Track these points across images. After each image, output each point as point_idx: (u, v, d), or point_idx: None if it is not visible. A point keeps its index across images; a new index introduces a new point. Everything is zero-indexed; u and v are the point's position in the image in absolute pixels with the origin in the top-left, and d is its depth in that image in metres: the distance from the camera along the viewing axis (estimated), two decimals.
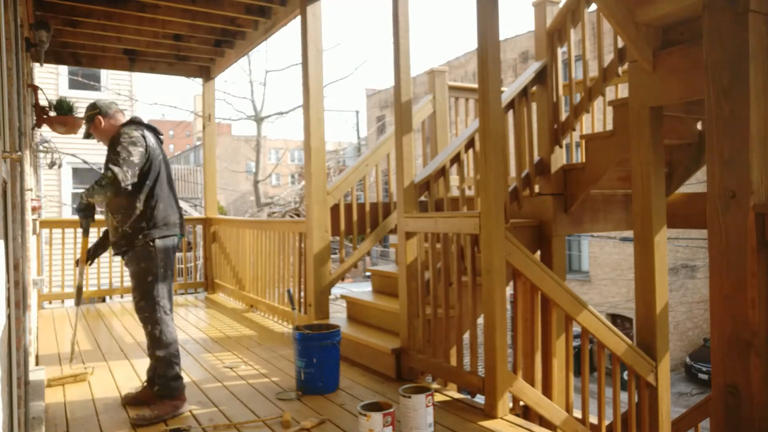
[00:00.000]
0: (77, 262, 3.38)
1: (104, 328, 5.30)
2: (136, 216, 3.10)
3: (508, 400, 3.01)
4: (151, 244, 3.10)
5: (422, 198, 4.02)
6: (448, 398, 3.28)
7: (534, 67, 4.31)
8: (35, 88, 4.84)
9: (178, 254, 3.39)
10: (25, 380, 2.81)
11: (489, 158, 2.98)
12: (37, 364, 4.11)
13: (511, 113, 4.16)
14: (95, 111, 3.24)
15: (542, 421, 3.10)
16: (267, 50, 28.22)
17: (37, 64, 5.87)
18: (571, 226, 4.27)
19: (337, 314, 5.54)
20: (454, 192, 4.89)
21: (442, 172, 4.04)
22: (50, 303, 6.53)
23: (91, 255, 3.39)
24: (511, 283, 3.20)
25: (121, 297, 7.13)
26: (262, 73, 37.29)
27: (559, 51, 4.33)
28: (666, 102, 3.55)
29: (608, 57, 3.98)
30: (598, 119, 4.81)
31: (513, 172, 4.31)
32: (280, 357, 4.23)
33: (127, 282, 6.70)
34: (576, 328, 3.33)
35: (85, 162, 12.69)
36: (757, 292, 2.04)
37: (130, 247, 3.12)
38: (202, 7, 5.16)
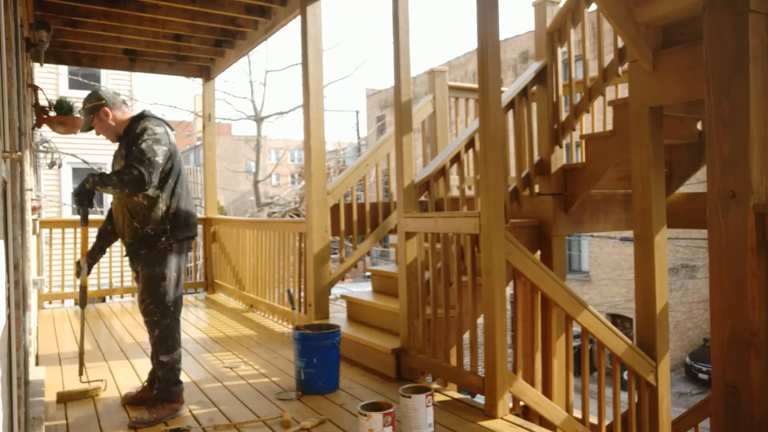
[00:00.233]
0: (78, 264, 3.19)
1: (104, 328, 5.30)
2: (159, 217, 2.97)
3: (508, 400, 3.01)
4: (170, 247, 3.00)
5: (422, 198, 4.02)
6: (448, 398, 3.28)
7: (534, 67, 4.32)
8: (35, 88, 4.84)
9: None
10: (25, 380, 2.81)
11: (489, 158, 2.98)
12: (37, 364, 4.11)
13: (511, 113, 4.16)
14: (101, 102, 3.03)
15: (542, 421, 3.10)
16: (267, 50, 28.26)
17: (37, 64, 5.87)
18: (571, 226, 4.27)
19: (337, 314, 5.54)
20: (454, 192, 4.89)
21: (442, 172, 4.04)
22: (50, 303, 6.53)
23: (91, 260, 3.22)
24: (511, 283, 3.20)
25: (121, 297, 7.13)
26: (262, 73, 37.31)
27: (559, 51, 4.33)
28: (666, 102, 3.55)
29: (608, 57, 3.99)
30: (598, 119, 4.82)
31: (513, 172, 4.31)
32: (280, 357, 4.23)
33: (128, 282, 6.74)
34: (576, 328, 3.33)
35: (85, 162, 12.69)
36: (757, 292, 2.04)
37: (151, 250, 2.98)
38: (202, 7, 5.16)
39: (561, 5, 4.24)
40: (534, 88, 4.31)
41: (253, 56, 33.12)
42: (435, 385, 3.51)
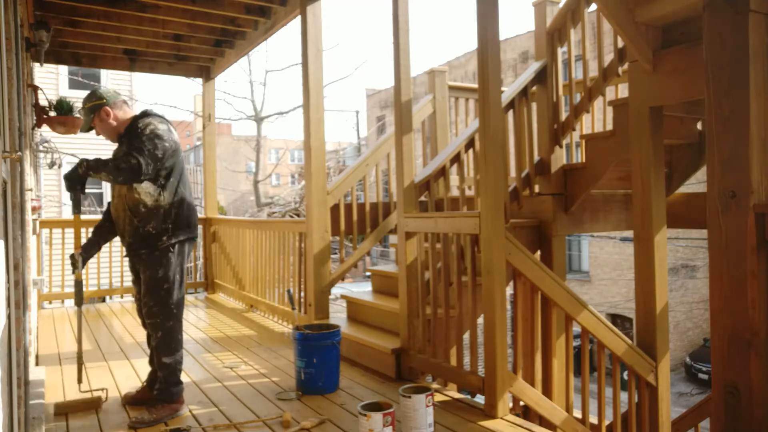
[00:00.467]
0: (72, 257, 3.02)
1: (104, 328, 5.30)
2: (161, 216, 2.93)
3: (508, 400, 3.01)
4: (172, 248, 2.97)
5: (422, 198, 4.02)
6: (448, 398, 3.28)
7: (534, 67, 4.32)
8: (35, 88, 4.84)
9: None
10: (25, 380, 2.81)
11: (489, 158, 2.98)
12: (37, 364, 4.11)
13: (511, 113, 4.16)
14: (101, 101, 2.98)
15: (542, 421, 3.10)
16: (267, 50, 28.24)
17: (37, 64, 5.87)
18: (571, 226, 4.27)
19: (337, 314, 5.54)
20: (454, 192, 4.89)
21: (442, 172, 4.04)
22: (50, 303, 6.53)
23: (86, 255, 3.10)
24: (511, 283, 3.20)
25: (121, 297, 7.13)
26: (262, 73, 37.30)
27: (559, 51, 4.34)
28: (666, 102, 3.55)
29: (608, 57, 3.99)
30: (598, 119, 4.82)
31: (513, 172, 4.31)
32: (280, 357, 4.23)
33: (128, 282, 6.73)
34: (576, 328, 3.33)
35: None
36: (757, 292, 2.04)
37: (152, 250, 2.94)
38: (202, 7, 5.16)
39: (561, 5, 4.24)
40: (534, 88, 4.31)
41: (253, 56, 33.11)
42: (435, 385, 3.51)
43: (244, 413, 3.09)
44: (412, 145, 3.77)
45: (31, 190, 4.57)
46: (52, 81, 13.12)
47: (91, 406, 3.15)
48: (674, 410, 5.60)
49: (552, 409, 3.12)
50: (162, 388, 3.03)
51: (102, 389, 3.30)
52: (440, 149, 5.13)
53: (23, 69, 3.72)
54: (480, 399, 3.14)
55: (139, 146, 2.82)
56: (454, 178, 4.75)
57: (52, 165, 9.25)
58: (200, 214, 7.24)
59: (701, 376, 15.93)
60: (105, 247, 6.78)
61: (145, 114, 3.03)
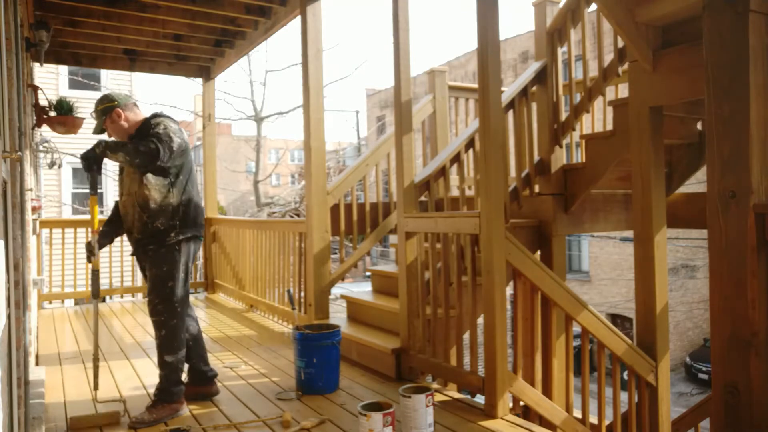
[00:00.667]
0: (89, 244, 3.01)
1: (104, 328, 5.30)
2: (169, 212, 2.99)
3: (508, 400, 3.01)
4: (178, 246, 3.01)
5: (422, 198, 4.02)
6: (448, 398, 3.28)
7: (534, 67, 4.32)
8: (35, 88, 4.84)
9: None
10: (25, 380, 2.81)
11: (489, 158, 2.98)
12: (37, 364, 4.11)
13: (511, 113, 4.16)
14: (113, 103, 3.04)
15: (542, 421, 3.10)
16: (267, 50, 28.23)
17: (37, 64, 5.87)
18: (571, 226, 4.27)
19: (337, 314, 5.54)
20: (454, 192, 4.89)
21: (442, 172, 4.04)
22: (50, 303, 6.54)
23: (102, 242, 3.13)
24: (511, 283, 3.20)
25: (121, 297, 7.13)
26: (262, 73, 37.29)
27: (559, 51, 4.34)
28: (666, 102, 3.55)
29: (608, 57, 3.99)
30: (598, 119, 4.82)
31: (513, 172, 4.31)
32: (280, 357, 4.23)
33: (128, 282, 6.75)
34: (576, 328, 3.33)
35: None
36: (757, 292, 2.04)
37: (159, 246, 2.99)
38: (202, 7, 5.16)
39: (561, 5, 4.24)
40: (534, 88, 4.31)
41: (253, 56, 33.10)
42: (435, 385, 3.51)
43: (244, 413, 3.09)
44: (412, 145, 3.77)
45: (31, 190, 4.57)
46: (52, 81, 13.12)
47: (109, 420, 2.97)
48: (674, 410, 5.60)
49: (552, 409, 3.12)
50: (162, 388, 3.04)
51: (119, 400, 3.20)
52: (440, 149, 5.13)
53: (23, 69, 3.72)
54: (480, 399, 3.14)
55: (156, 136, 2.89)
56: (454, 178, 4.76)
57: (52, 165, 9.25)
58: None
59: (701, 376, 15.93)
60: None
61: (156, 115, 3.10)
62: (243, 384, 3.60)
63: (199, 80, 7.29)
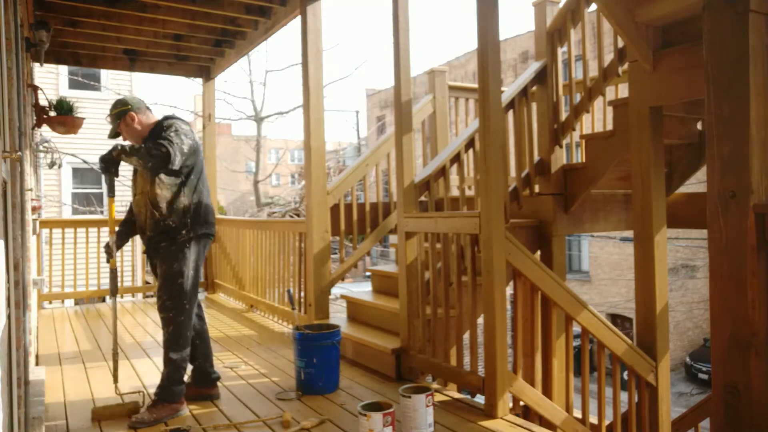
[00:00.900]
0: (107, 245, 3.11)
1: (104, 328, 5.30)
2: (181, 210, 3.06)
3: (508, 400, 3.01)
4: (188, 243, 3.07)
5: (422, 198, 4.02)
6: (448, 398, 3.28)
7: (534, 67, 4.32)
8: (35, 88, 4.84)
9: None
10: (25, 380, 2.81)
11: (489, 158, 2.98)
12: (37, 364, 4.11)
13: (511, 113, 4.16)
14: (127, 107, 3.12)
15: (542, 421, 3.10)
16: (267, 50, 28.22)
17: (37, 64, 5.87)
18: (571, 226, 4.27)
19: (337, 314, 5.55)
20: (454, 192, 4.89)
21: (442, 172, 4.04)
22: (50, 303, 6.54)
23: (119, 243, 3.24)
24: (511, 283, 3.20)
25: (121, 297, 7.13)
26: (262, 73, 37.29)
27: (559, 51, 4.33)
28: (666, 102, 3.55)
29: (608, 57, 3.99)
30: (598, 119, 4.82)
31: (513, 172, 4.31)
32: (280, 357, 4.23)
33: (127, 282, 6.75)
34: (576, 328, 3.33)
35: (85, 162, 12.70)
36: (757, 292, 2.04)
37: (171, 243, 3.05)
38: (202, 7, 5.16)
39: (561, 5, 4.24)
40: (534, 88, 4.31)
41: (253, 56, 33.09)
42: (435, 385, 3.51)
43: (244, 413, 3.09)
44: (412, 145, 3.77)
45: (31, 190, 4.57)
46: (52, 81, 13.12)
47: (129, 411, 3.04)
48: (674, 410, 5.60)
49: (552, 409, 3.12)
50: (164, 386, 3.04)
51: (137, 392, 3.28)
52: (440, 149, 5.13)
53: (23, 69, 3.72)
54: (480, 399, 3.14)
55: (168, 138, 2.95)
56: (454, 178, 4.76)
57: (52, 165, 9.24)
58: None
59: (701, 376, 15.93)
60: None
61: (168, 117, 3.17)
62: (243, 384, 3.60)
63: (199, 80, 7.29)
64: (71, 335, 5.06)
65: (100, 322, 5.58)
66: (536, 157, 4.29)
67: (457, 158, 4.17)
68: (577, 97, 4.21)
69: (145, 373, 3.85)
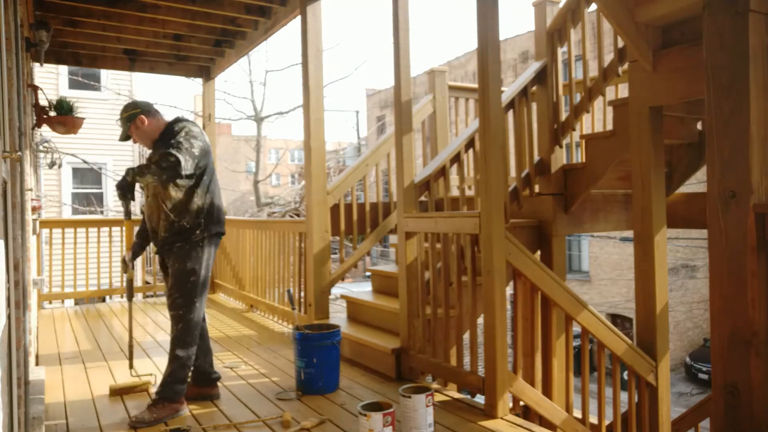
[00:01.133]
0: (123, 260, 3.34)
1: (104, 328, 5.30)
2: (194, 211, 3.10)
3: (508, 400, 3.01)
4: (202, 243, 3.11)
5: (422, 198, 4.02)
6: (448, 398, 3.28)
7: (534, 67, 4.32)
8: (35, 88, 4.84)
9: None
10: (25, 380, 2.81)
11: (489, 158, 2.98)
12: (37, 364, 4.11)
13: (511, 113, 4.16)
14: (137, 110, 3.16)
15: (542, 421, 3.10)
16: (267, 50, 28.21)
17: (37, 64, 5.86)
18: (571, 226, 4.27)
19: (337, 314, 5.54)
20: (454, 192, 4.89)
21: (442, 172, 4.04)
22: (50, 303, 6.54)
23: (134, 256, 3.35)
24: (511, 283, 3.20)
25: (121, 297, 7.13)
26: (262, 73, 37.25)
27: (559, 51, 4.33)
28: (666, 102, 3.55)
29: (608, 57, 3.99)
30: (598, 119, 4.82)
31: (513, 172, 4.31)
32: (280, 357, 4.23)
33: None
34: (576, 328, 3.33)
35: (85, 162, 12.70)
36: (757, 292, 2.04)
37: (185, 242, 3.09)
38: (202, 7, 5.15)
39: (561, 5, 4.24)
40: (534, 88, 4.31)
41: (253, 56, 33.05)
42: (435, 385, 3.51)
43: (244, 413, 3.09)
44: (412, 145, 3.77)
45: (31, 190, 4.57)
46: (52, 81, 13.12)
47: (142, 388, 3.46)
48: (674, 410, 5.60)
49: (552, 409, 3.12)
50: (166, 384, 3.05)
51: (150, 374, 3.59)
52: (440, 149, 5.13)
53: (23, 69, 3.72)
54: (480, 399, 3.14)
55: (176, 145, 2.97)
56: (454, 178, 4.75)
57: (52, 165, 9.23)
58: None
59: (701, 376, 15.92)
60: (104, 247, 6.79)
61: (178, 120, 3.20)
62: (243, 384, 3.60)
63: (199, 80, 7.29)
64: (71, 335, 5.06)
65: (100, 322, 5.57)
66: (536, 157, 4.29)
67: (457, 158, 4.17)
68: (577, 97, 4.21)
69: (144, 372, 3.84)
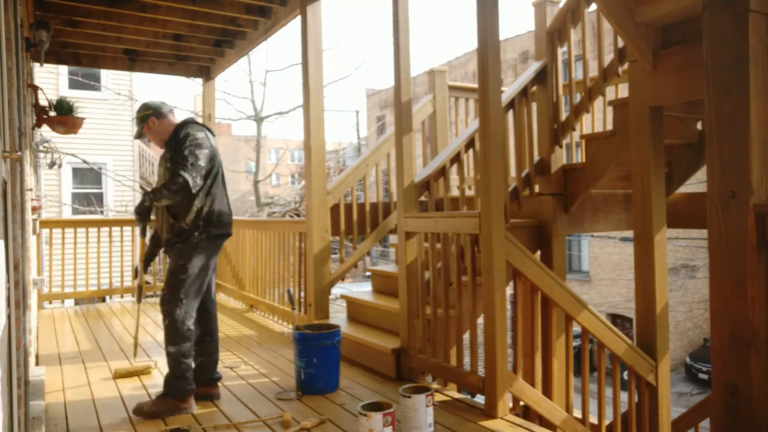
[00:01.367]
0: (136, 268, 3.53)
1: (104, 328, 5.30)
2: (194, 213, 3.16)
3: (508, 400, 3.01)
4: (200, 243, 3.17)
5: (422, 198, 4.02)
6: (448, 398, 3.28)
7: (534, 67, 4.31)
8: (35, 88, 4.84)
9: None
10: (25, 380, 2.81)
11: (489, 158, 2.98)
12: (37, 364, 4.11)
13: (511, 113, 4.16)
14: (149, 111, 3.27)
15: (542, 421, 3.10)
16: (267, 50, 28.19)
17: (37, 64, 5.86)
18: (571, 226, 4.27)
19: (337, 314, 5.55)
20: (454, 192, 4.89)
21: (442, 172, 4.04)
22: (50, 303, 6.54)
23: (145, 265, 3.47)
24: (511, 283, 3.20)
25: (121, 297, 7.13)
26: (262, 73, 37.23)
27: (559, 51, 4.33)
28: (666, 102, 3.55)
29: (608, 57, 3.98)
30: (598, 119, 4.82)
31: (513, 172, 4.31)
32: (280, 357, 4.23)
33: (128, 282, 6.75)
34: (576, 328, 3.33)
35: (85, 162, 12.69)
36: (757, 292, 2.04)
37: (184, 243, 3.17)
38: (202, 7, 5.15)
39: (561, 5, 4.24)
40: (534, 88, 4.31)
41: (253, 56, 33.02)
42: (435, 385, 3.51)
43: (244, 413, 3.09)
44: (412, 145, 3.77)
45: (31, 190, 4.57)
46: (52, 81, 13.12)
47: (143, 372, 3.80)
48: (674, 410, 5.60)
49: (552, 409, 3.12)
50: (166, 380, 3.11)
51: (152, 360, 3.96)
52: (440, 149, 5.13)
53: (23, 69, 3.72)
54: (480, 399, 3.15)
55: (182, 162, 3.07)
56: (454, 178, 4.75)
57: (52, 165, 9.22)
58: None
59: (701, 376, 15.92)
60: (104, 247, 6.77)
61: (185, 124, 3.27)
62: (243, 384, 3.60)
63: (199, 80, 7.29)
64: (71, 335, 5.06)
65: (100, 322, 5.57)
66: (536, 157, 4.29)
67: (457, 158, 4.17)
68: (577, 97, 4.21)
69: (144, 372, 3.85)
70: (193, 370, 3.34)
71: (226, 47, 6.35)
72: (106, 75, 14.12)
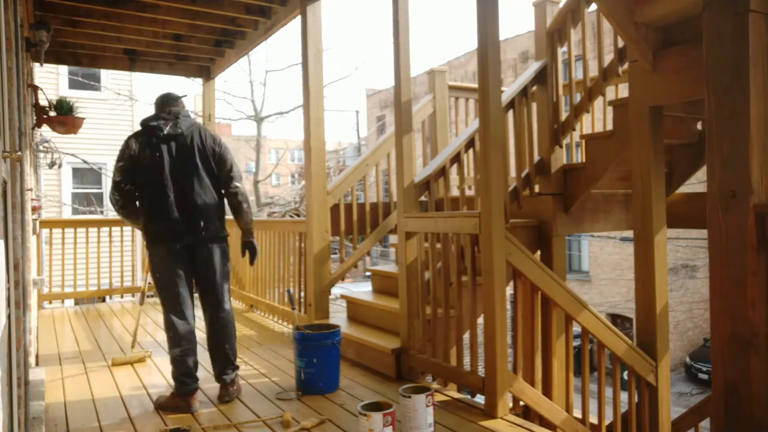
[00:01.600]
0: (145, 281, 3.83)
1: (104, 328, 5.30)
2: (141, 220, 3.28)
3: (508, 400, 3.01)
4: (150, 248, 3.24)
5: (422, 198, 4.02)
6: (448, 398, 3.28)
7: (534, 67, 4.31)
8: (35, 88, 4.84)
9: None
10: (25, 380, 2.81)
11: (489, 158, 2.98)
12: (37, 364, 4.11)
13: (511, 113, 4.16)
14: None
15: (542, 421, 3.10)
16: (267, 50, 28.18)
17: (37, 64, 5.86)
18: (571, 226, 4.27)
19: (337, 314, 5.54)
20: (454, 192, 4.89)
21: (442, 172, 4.04)
22: (50, 303, 6.54)
23: None
24: (511, 283, 3.20)
25: (121, 297, 7.13)
26: (262, 73, 37.22)
27: (559, 51, 4.33)
28: (666, 102, 3.55)
29: (608, 57, 3.98)
30: (598, 119, 4.81)
31: (513, 172, 4.31)
32: (280, 357, 4.23)
33: (128, 282, 6.76)
34: (576, 328, 3.33)
35: (85, 162, 12.69)
36: (757, 292, 2.04)
37: (147, 248, 3.31)
38: (202, 7, 5.15)
39: (561, 5, 4.24)
40: (534, 88, 4.31)
41: (253, 56, 33.03)
42: (435, 385, 3.51)
43: (244, 413, 3.09)
44: (412, 145, 3.77)
45: (31, 190, 4.57)
46: (52, 81, 13.11)
47: (140, 360, 4.10)
48: (674, 410, 5.60)
49: (552, 409, 3.12)
50: (172, 376, 3.18)
51: (148, 351, 4.24)
52: (440, 149, 5.13)
53: (23, 69, 3.72)
54: (480, 399, 3.15)
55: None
56: (454, 178, 4.75)
57: (52, 165, 9.22)
58: None
59: (701, 376, 15.92)
60: (104, 247, 6.77)
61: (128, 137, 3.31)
62: (243, 384, 3.60)
63: (199, 80, 7.29)
64: (71, 335, 5.06)
65: (100, 322, 5.57)
66: (536, 157, 4.28)
67: (457, 158, 4.17)
68: (577, 97, 4.21)
69: (144, 372, 3.85)
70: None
71: (226, 47, 6.35)
72: (106, 75, 14.11)
